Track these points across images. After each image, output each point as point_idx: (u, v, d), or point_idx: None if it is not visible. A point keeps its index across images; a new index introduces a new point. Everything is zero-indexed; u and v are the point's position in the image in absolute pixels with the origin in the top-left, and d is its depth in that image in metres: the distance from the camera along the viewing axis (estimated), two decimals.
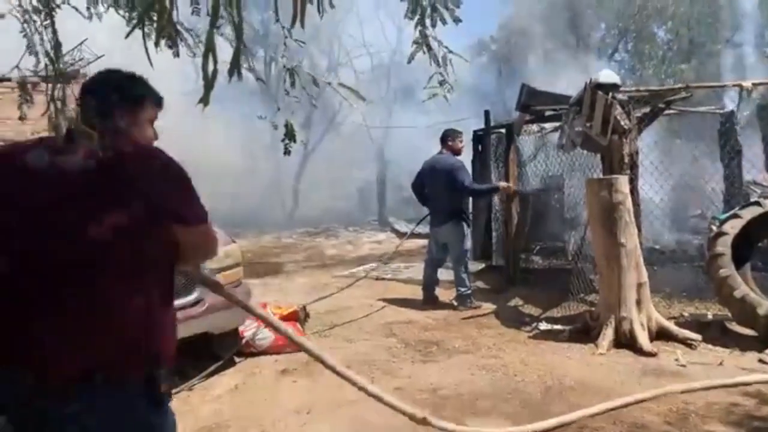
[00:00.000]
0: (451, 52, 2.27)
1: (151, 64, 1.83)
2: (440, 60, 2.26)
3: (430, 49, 2.24)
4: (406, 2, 2.32)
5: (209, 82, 1.35)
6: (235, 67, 1.37)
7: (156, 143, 1.73)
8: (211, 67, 1.34)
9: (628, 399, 3.33)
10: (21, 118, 4.02)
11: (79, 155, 1.51)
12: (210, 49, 1.32)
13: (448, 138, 6.18)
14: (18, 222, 1.48)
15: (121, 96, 1.66)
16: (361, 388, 2.31)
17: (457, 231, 5.98)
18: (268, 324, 2.26)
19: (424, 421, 2.52)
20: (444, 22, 2.23)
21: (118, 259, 1.49)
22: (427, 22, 2.21)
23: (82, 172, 1.49)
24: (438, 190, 6.04)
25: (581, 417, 3.12)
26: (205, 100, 1.38)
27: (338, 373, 2.26)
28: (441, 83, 2.27)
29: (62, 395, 1.43)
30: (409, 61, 2.57)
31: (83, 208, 1.47)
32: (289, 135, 1.31)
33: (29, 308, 1.46)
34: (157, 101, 1.76)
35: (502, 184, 6.51)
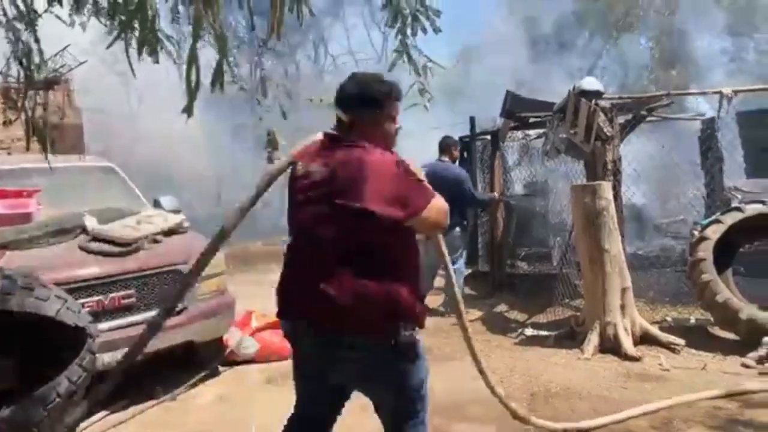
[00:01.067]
0: (431, 61, 2.28)
1: (134, 73, 1.83)
2: (420, 69, 2.27)
3: (410, 58, 2.25)
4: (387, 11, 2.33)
5: (192, 93, 1.35)
6: (218, 80, 1.38)
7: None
8: (194, 78, 1.34)
9: (663, 403, 3.40)
10: (5, 123, 4.03)
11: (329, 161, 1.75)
12: (193, 60, 1.32)
13: (451, 146, 6.03)
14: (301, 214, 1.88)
15: (361, 100, 1.79)
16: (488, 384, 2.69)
17: (461, 238, 5.98)
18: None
19: (523, 420, 2.87)
20: (425, 32, 2.24)
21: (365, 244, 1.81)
22: (408, 31, 2.22)
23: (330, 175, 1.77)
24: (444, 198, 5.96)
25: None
26: (188, 111, 1.38)
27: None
28: (421, 92, 2.28)
29: (345, 343, 1.84)
30: (390, 69, 2.58)
31: (333, 205, 1.78)
32: (272, 144, 1.32)
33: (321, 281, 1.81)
34: (397, 96, 1.86)
35: (499, 197, 6.62)
